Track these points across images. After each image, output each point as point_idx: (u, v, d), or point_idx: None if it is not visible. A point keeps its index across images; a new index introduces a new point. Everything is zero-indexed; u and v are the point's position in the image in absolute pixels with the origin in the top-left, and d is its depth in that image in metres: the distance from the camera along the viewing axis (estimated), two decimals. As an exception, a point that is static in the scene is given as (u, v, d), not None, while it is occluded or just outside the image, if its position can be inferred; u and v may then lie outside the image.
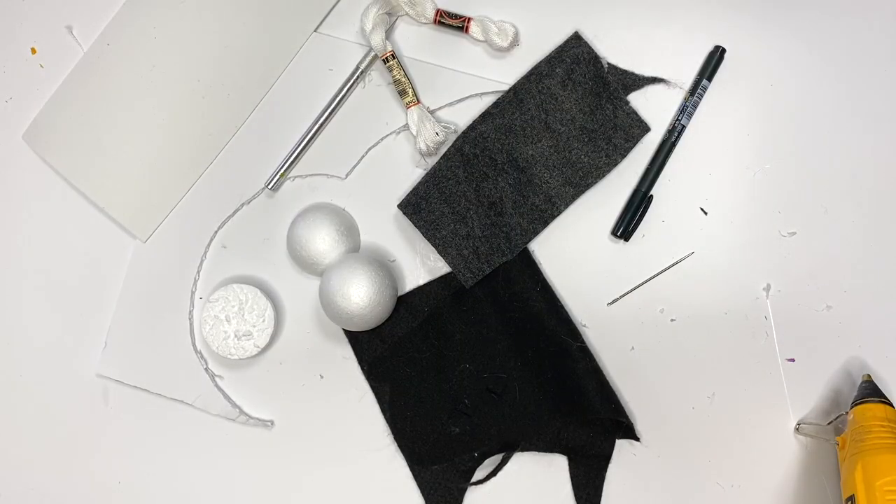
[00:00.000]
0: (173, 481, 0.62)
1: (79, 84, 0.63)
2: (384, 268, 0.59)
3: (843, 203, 0.60)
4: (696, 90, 0.60)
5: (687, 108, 0.60)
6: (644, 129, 0.60)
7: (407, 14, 0.61)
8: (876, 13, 0.60)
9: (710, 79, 0.60)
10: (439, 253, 0.60)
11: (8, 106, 0.64)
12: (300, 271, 0.62)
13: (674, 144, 0.60)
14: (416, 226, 0.60)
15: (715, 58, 0.60)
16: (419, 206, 0.60)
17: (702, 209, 0.60)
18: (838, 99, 0.60)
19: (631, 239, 0.60)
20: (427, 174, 0.60)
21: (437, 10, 0.61)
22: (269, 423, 0.62)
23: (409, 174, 0.61)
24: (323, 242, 0.59)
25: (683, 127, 0.60)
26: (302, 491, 0.61)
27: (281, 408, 0.62)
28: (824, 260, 0.59)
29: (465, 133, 0.60)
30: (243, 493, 0.61)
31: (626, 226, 0.60)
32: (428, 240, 0.60)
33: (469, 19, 0.61)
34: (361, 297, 0.57)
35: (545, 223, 0.60)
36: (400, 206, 0.60)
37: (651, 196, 0.60)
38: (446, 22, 0.61)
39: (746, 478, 0.59)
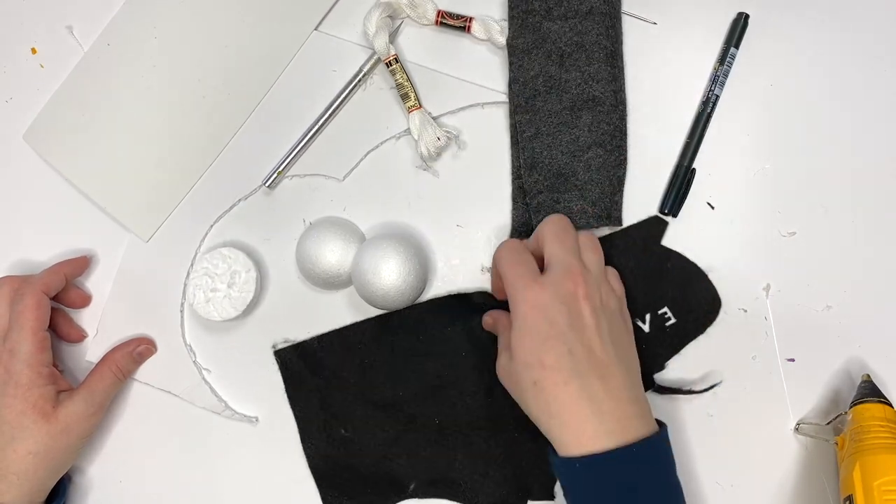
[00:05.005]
0: (161, 472, 0.62)
1: (79, 84, 0.63)
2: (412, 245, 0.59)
3: (843, 203, 0.60)
4: (726, 59, 0.60)
5: (718, 78, 0.59)
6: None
7: (408, 16, 0.62)
8: (876, 12, 0.61)
9: (737, 46, 0.60)
10: None
11: (8, 106, 0.64)
12: (304, 281, 0.61)
13: (710, 115, 0.59)
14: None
15: (739, 24, 0.60)
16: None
17: (709, 203, 0.60)
18: (838, 98, 0.60)
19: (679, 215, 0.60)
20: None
21: (439, 11, 0.61)
22: (254, 420, 0.62)
23: (408, 178, 0.61)
24: (332, 254, 0.59)
25: (717, 97, 0.59)
26: (285, 487, 0.61)
27: (266, 405, 0.61)
28: (824, 260, 0.59)
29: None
30: (227, 487, 0.61)
31: (672, 201, 0.59)
32: None
33: (471, 19, 0.61)
34: (392, 272, 0.57)
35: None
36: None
37: (694, 169, 0.59)
38: (448, 22, 0.61)
39: (746, 477, 0.58)
